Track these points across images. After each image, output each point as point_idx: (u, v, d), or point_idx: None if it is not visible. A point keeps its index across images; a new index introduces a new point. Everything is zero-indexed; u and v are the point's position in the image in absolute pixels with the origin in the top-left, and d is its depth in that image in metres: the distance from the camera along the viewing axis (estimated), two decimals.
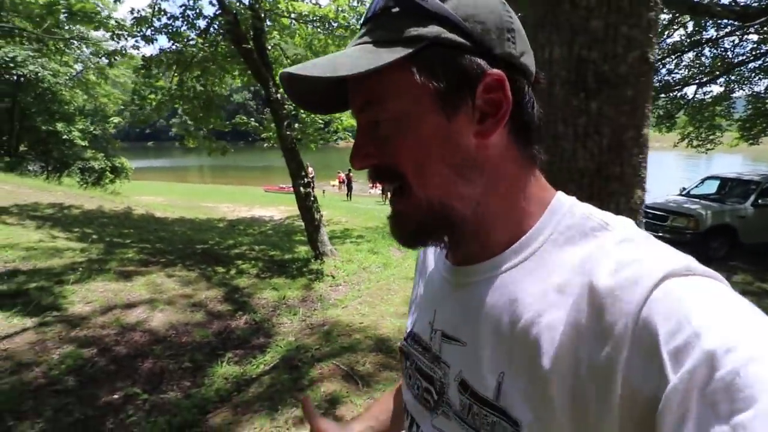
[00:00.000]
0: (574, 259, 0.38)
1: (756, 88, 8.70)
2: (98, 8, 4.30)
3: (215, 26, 6.17)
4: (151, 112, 6.69)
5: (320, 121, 7.37)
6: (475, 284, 0.45)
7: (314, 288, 4.97)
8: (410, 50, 0.38)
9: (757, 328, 0.29)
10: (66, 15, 3.48)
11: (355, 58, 0.39)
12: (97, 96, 12.01)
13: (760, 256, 6.04)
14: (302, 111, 6.64)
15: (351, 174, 15.16)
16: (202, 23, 6.40)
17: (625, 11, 1.14)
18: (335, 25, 6.70)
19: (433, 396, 0.49)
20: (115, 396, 2.83)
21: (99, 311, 3.85)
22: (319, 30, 6.96)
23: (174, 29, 6.34)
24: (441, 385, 0.47)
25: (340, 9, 6.08)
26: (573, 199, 0.45)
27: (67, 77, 10.71)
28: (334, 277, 5.31)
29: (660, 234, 5.96)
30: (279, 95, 5.67)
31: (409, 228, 0.44)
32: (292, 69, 0.39)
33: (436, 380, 0.48)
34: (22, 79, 9.97)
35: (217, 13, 6.00)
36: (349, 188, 15.39)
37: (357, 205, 13.04)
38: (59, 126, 10.60)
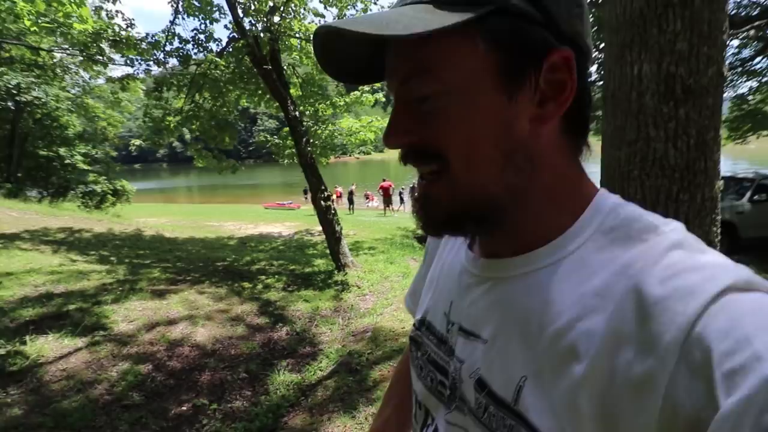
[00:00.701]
0: (618, 262, 0.35)
1: (740, 91, 9.31)
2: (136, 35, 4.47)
3: (229, 48, 6.37)
4: (166, 133, 6.80)
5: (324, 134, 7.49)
6: (503, 280, 0.42)
7: (343, 298, 5.09)
8: (474, 14, 0.34)
9: None
10: (110, 42, 3.62)
11: (410, 17, 0.34)
12: (96, 119, 12.00)
13: (758, 249, 6.42)
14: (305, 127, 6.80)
15: (353, 187, 15.38)
16: (213, 46, 6.60)
17: (705, 35, 1.38)
18: None
19: (446, 389, 0.47)
20: (184, 408, 2.90)
21: (143, 329, 3.90)
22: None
23: (185, 52, 6.52)
24: (454, 379, 0.45)
25: None
26: (618, 198, 0.41)
27: (69, 102, 10.71)
28: (359, 287, 5.44)
29: None
30: (297, 113, 5.87)
31: (440, 214, 0.40)
32: (335, 23, 0.35)
33: (450, 373, 0.46)
34: (22, 105, 9.96)
35: (231, 36, 6.23)
36: (351, 202, 15.59)
37: (361, 218, 13.20)
38: (62, 151, 10.55)
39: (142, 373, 3.24)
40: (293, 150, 6.07)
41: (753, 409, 0.25)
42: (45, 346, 3.38)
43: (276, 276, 5.95)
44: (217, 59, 5.78)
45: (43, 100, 9.52)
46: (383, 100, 6.91)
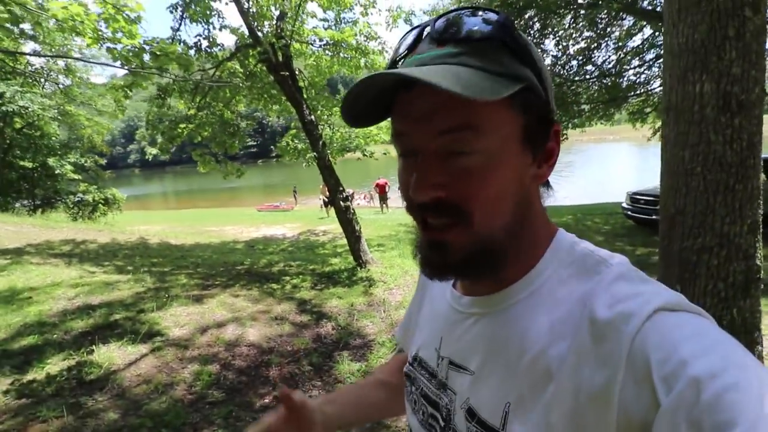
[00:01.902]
0: (576, 293, 0.41)
1: None
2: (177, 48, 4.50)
3: (239, 55, 6.45)
4: (168, 141, 6.79)
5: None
6: (485, 315, 0.47)
7: (373, 293, 5.36)
8: (518, 87, 0.39)
9: (737, 359, 0.32)
10: (150, 56, 3.66)
11: (475, 81, 0.37)
12: (80, 127, 11.60)
13: None
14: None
15: (351, 191, 15.59)
16: (217, 52, 6.65)
17: (753, 61, 1.76)
18: (343, 46, 7.14)
19: (439, 423, 0.50)
20: (267, 400, 3.13)
21: (197, 332, 4.06)
22: (327, 52, 7.39)
23: (191, 57, 6.54)
24: (447, 411, 0.49)
25: (360, 33, 6.55)
26: (573, 237, 0.47)
27: (53, 110, 10.32)
28: (385, 282, 5.73)
29: (655, 218, 6.89)
30: (313, 117, 6.06)
31: (456, 260, 0.43)
32: (415, 73, 0.36)
33: (442, 407, 0.50)
34: (3, 114, 9.55)
35: (239, 43, 6.32)
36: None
37: (360, 216, 13.41)
38: (51, 161, 10.18)
39: (213, 372, 3.42)
40: (309, 152, 6.24)
41: (684, 403, 0.30)
42: (112, 354, 3.50)
43: (300, 276, 6.15)
44: (235, 66, 5.87)
45: (30, 109, 9.17)
46: None
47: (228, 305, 4.84)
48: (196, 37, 6.60)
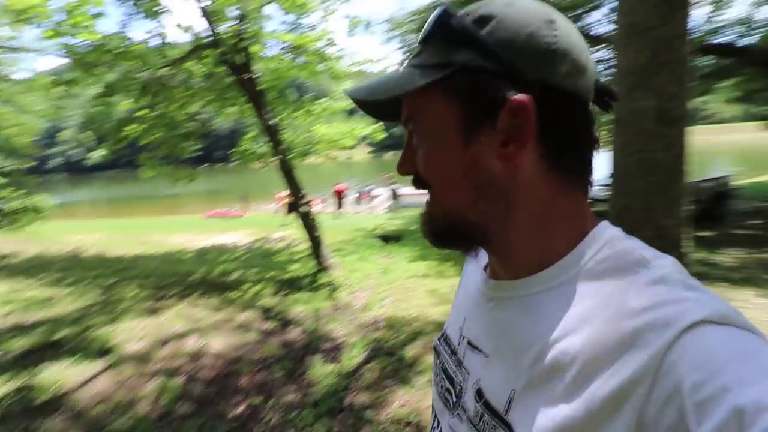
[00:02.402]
0: (605, 290, 0.38)
1: None
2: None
3: (195, 55, 6.22)
4: (114, 143, 6.35)
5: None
6: (503, 300, 0.46)
7: (338, 297, 5.38)
8: (439, 75, 0.41)
9: None
10: (110, 53, 3.35)
11: (397, 79, 0.44)
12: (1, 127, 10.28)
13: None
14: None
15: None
16: (174, 53, 6.37)
17: (682, 81, 2.09)
18: (304, 50, 7.12)
19: (452, 397, 0.51)
20: (241, 408, 3.04)
21: (156, 345, 3.85)
22: (288, 55, 7.33)
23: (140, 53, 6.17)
24: (460, 388, 0.49)
25: (320, 38, 6.57)
26: (617, 231, 0.44)
27: None
28: (349, 286, 5.77)
29: None
30: (274, 121, 5.98)
31: (432, 230, 0.47)
32: (349, 91, 0.47)
33: (457, 383, 0.51)
34: None
35: (194, 42, 6.09)
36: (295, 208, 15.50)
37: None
38: None
39: (179, 385, 3.27)
40: (271, 156, 6.13)
41: None
42: (62, 374, 3.22)
43: (260, 283, 6.00)
44: (193, 66, 5.63)
45: None
46: (352, 107, 7.25)
47: (186, 316, 4.62)
48: (146, 33, 6.26)
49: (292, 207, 13.21)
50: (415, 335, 3.84)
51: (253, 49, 5.96)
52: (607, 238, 0.42)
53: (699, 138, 2.77)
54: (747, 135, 42.20)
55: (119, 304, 4.76)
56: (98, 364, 3.43)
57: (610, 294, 0.38)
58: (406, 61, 0.47)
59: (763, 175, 16.66)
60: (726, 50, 8.34)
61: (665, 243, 2.18)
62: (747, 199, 10.08)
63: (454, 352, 0.54)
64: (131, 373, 3.36)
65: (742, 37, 10.48)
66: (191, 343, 3.98)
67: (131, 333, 4.04)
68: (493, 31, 0.40)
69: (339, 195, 14.43)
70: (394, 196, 13.37)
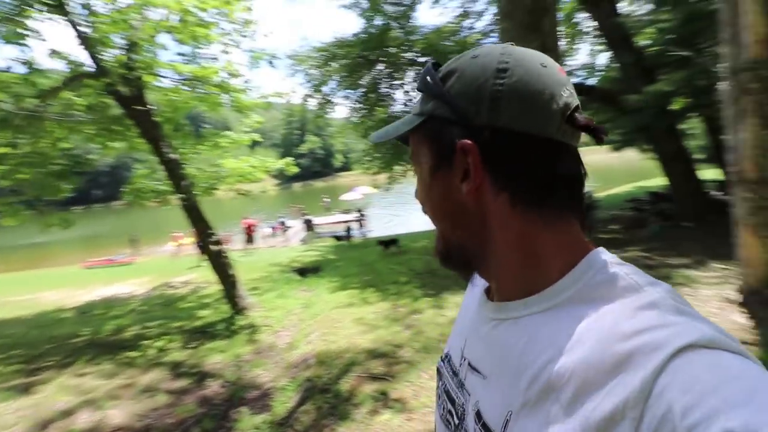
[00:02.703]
0: (598, 313, 0.39)
1: None
2: None
3: (74, 86, 5.52)
4: None
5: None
6: (500, 322, 0.48)
7: (259, 340, 5.03)
8: (417, 122, 0.49)
9: None
10: None
11: (397, 125, 0.52)
12: None
13: None
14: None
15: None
16: (46, 81, 5.58)
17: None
18: (204, 82, 6.80)
19: (454, 419, 0.52)
20: None
21: (36, 430, 3.16)
22: (185, 87, 6.92)
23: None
24: (462, 410, 0.50)
25: (223, 70, 6.35)
26: (611, 257, 0.45)
27: None
28: (270, 326, 5.44)
29: None
30: (175, 155, 5.53)
31: (438, 251, 0.52)
32: (375, 138, 0.56)
33: (458, 405, 0.51)
34: None
35: (72, 72, 5.42)
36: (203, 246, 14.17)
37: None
38: None
39: None
40: (172, 194, 5.61)
41: None
42: None
43: (166, 337, 5.33)
44: (73, 98, 4.96)
45: None
46: (260, 140, 7.07)
47: (72, 388, 3.88)
48: (9, 60, 5.37)
49: (203, 247, 12.04)
50: (348, 366, 3.76)
51: (147, 79, 5.52)
52: (601, 264, 0.43)
53: None
54: (599, 156, 51.36)
55: None
56: None
57: (602, 317, 0.38)
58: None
59: (615, 188, 20.28)
60: (578, 89, 10.19)
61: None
62: (605, 209, 12.17)
63: (455, 374, 0.54)
64: None
65: (587, 78, 12.94)
66: (83, 420, 3.34)
67: None
68: (453, 84, 0.46)
69: (249, 230, 13.63)
70: (309, 227, 13.10)
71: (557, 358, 0.39)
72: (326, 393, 3.34)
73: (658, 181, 10.29)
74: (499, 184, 0.44)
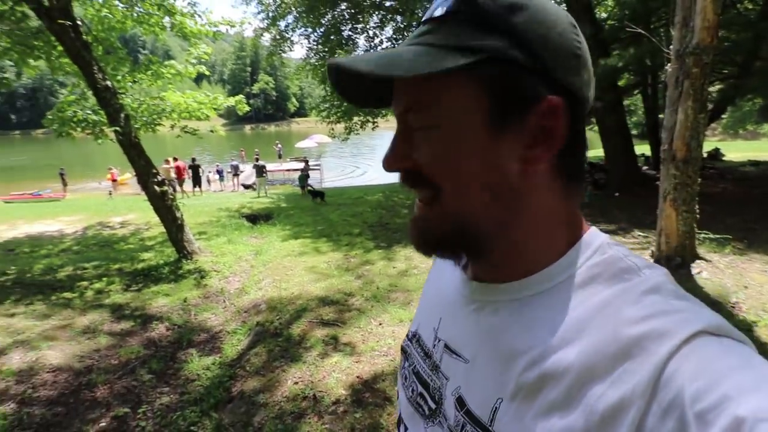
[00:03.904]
0: (597, 298, 0.37)
1: None
2: None
3: None
4: None
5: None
6: (488, 304, 0.44)
7: (208, 285, 4.98)
8: (469, 60, 0.36)
9: None
10: None
11: (412, 59, 0.37)
12: None
13: None
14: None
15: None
16: None
17: None
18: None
19: (428, 403, 0.49)
20: (103, 423, 2.64)
21: None
22: (119, 4, 6.10)
23: None
24: (439, 395, 0.47)
25: None
26: (606, 238, 0.43)
27: None
28: (218, 272, 5.37)
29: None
30: (108, 83, 4.97)
31: (430, 237, 0.43)
32: (344, 61, 0.38)
33: (434, 389, 0.48)
34: None
35: None
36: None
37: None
38: None
39: (8, 413, 2.63)
40: (107, 126, 5.09)
41: None
42: None
43: (104, 279, 5.10)
44: None
45: None
46: (207, 74, 6.51)
47: (2, 328, 3.67)
48: None
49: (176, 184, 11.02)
50: (300, 312, 3.87)
51: None
52: (598, 245, 0.41)
53: None
54: None
55: None
56: None
57: (605, 302, 0.37)
58: (415, 37, 0.40)
59: None
60: None
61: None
62: None
63: (428, 355, 0.51)
64: None
65: None
66: (17, 360, 3.20)
67: None
68: (526, 21, 0.37)
69: (180, 173, 12.55)
70: (261, 172, 12.56)
71: (557, 345, 0.37)
72: (278, 337, 3.44)
73: (599, 152, 11.01)
74: (556, 154, 0.39)
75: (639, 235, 5.87)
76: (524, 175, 0.39)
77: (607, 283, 0.38)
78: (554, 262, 0.41)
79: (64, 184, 14.73)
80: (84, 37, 4.87)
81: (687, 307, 0.35)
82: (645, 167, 11.66)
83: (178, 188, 12.13)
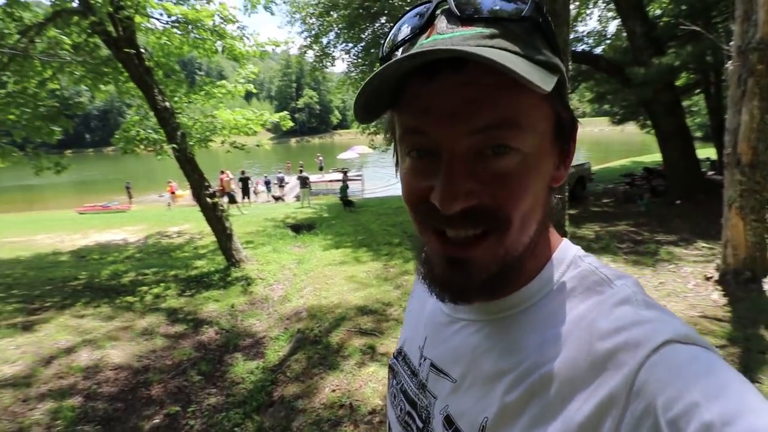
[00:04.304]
0: (574, 313, 0.38)
1: None
2: None
3: (59, 22, 5.26)
4: None
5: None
6: (473, 323, 0.44)
7: (253, 292, 5.20)
8: (557, 77, 0.34)
9: (753, 405, 0.28)
10: None
11: (523, 67, 0.31)
12: None
13: None
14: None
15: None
16: (29, 16, 5.30)
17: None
18: (197, 26, 6.49)
19: (416, 422, 0.48)
20: (157, 420, 2.82)
21: (38, 365, 3.31)
22: (177, 30, 6.62)
23: None
24: (427, 414, 0.47)
25: (217, 14, 6.06)
26: (577, 250, 0.43)
27: None
28: (263, 279, 5.60)
29: None
30: (167, 103, 5.40)
31: (482, 277, 0.38)
32: (457, 47, 0.31)
33: (421, 408, 0.48)
34: None
35: (56, 8, 5.15)
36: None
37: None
38: None
39: (76, 406, 2.89)
40: (165, 143, 5.53)
41: None
42: None
43: (161, 285, 5.47)
44: (61, 36, 4.74)
45: None
46: (255, 91, 6.88)
47: (72, 328, 4.03)
48: None
49: (231, 198, 11.88)
50: (339, 321, 3.94)
51: (137, 19, 5.26)
52: (571, 258, 0.42)
53: None
54: (597, 128, 50.72)
55: None
56: None
57: (581, 316, 0.37)
58: (477, 38, 0.33)
59: (611, 162, 20.29)
60: (584, 58, 9.92)
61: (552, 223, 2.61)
62: (599, 182, 12.25)
63: (414, 374, 0.50)
64: (11, 401, 2.85)
65: (594, 46, 12.54)
66: (84, 358, 3.51)
67: (2, 355, 3.39)
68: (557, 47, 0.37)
69: (225, 185, 13.15)
70: (304, 184, 13.01)
71: (538, 360, 0.37)
72: (317, 344, 3.52)
73: (657, 157, 10.30)
74: None
75: (703, 247, 5.40)
76: (548, 196, 0.40)
77: (582, 297, 0.39)
78: (533, 278, 0.41)
79: (130, 197, 16.08)
80: (146, 62, 5.35)
81: (656, 317, 0.35)
82: (711, 172, 10.74)
83: (238, 200, 12.79)
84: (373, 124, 11.64)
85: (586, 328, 0.36)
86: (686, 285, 4.21)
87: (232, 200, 12.09)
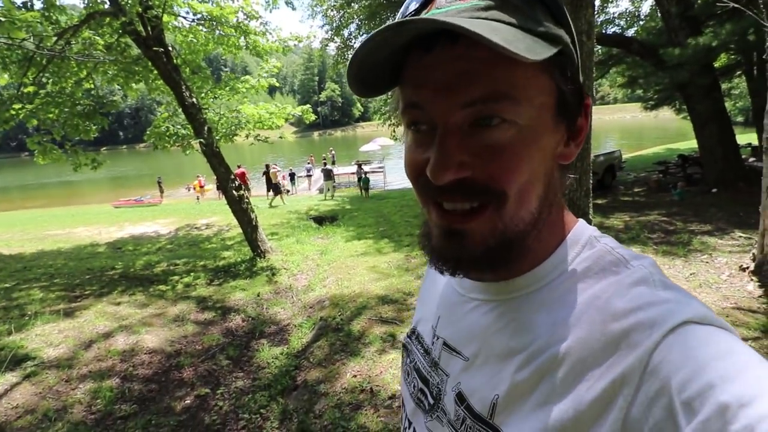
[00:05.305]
0: (588, 292, 0.38)
1: None
2: None
3: (92, 24, 5.49)
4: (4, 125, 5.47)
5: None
6: (486, 303, 0.44)
7: (278, 281, 5.34)
8: (555, 50, 0.33)
9: None
10: None
11: (513, 37, 0.31)
12: None
13: None
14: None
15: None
16: (64, 19, 5.56)
17: (588, 75, 2.42)
18: (222, 22, 6.64)
19: (428, 398, 0.49)
20: (188, 401, 2.97)
21: (79, 348, 3.53)
22: (202, 28, 6.79)
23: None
24: (438, 390, 0.47)
25: (240, 11, 6.17)
26: (594, 230, 0.43)
27: None
28: (288, 269, 5.74)
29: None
30: (194, 100, 5.57)
31: (478, 251, 0.38)
32: (444, 18, 0.31)
33: (433, 384, 0.48)
34: None
35: (90, 10, 5.37)
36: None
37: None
38: None
39: (114, 387, 3.07)
40: (193, 138, 5.72)
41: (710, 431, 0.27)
42: None
43: (191, 274, 5.70)
44: (94, 37, 4.97)
45: None
46: (278, 85, 6.98)
47: (110, 314, 4.27)
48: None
49: (276, 189, 12.31)
50: (360, 310, 4.00)
51: (165, 19, 5.43)
52: (587, 239, 0.42)
53: (593, 117, 3.20)
54: (629, 114, 48.66)
55: (25, 309, 4.22)
56: (13, 375, 3.07)
57: (595, 296, 0.37)
58: (472, 10, 0.33)
59: (644, 150, 19.47)
60: (614, 40, 9.50)
61: (575, 212, 2.55)
62: (631, 170, 11.79)
63: (427, 352, 0.51)
64: (55, 381, 3.07)
65: (626, 28, 11.98)
66: (121, 342, 3.72)
67: (46, 338, 3.64)
68: (569, 19, 0.37)
69: (242, 179, 13.47)
70: (328, 176, 13.16)
71: (551, 340, 0.37)
72: (339, 332, 3.60)
73: (693, 143, 9.81)
74: None
75: (740, 237, 5.15)
76: (556, 172, 0.40)
77: (597, 277, 0.38)
78: (546, 258, 0.41)
79: (161, 191, 16.74)
80: (174, 60, 5.53)
81: (673, 297, 0.34)
82: (752, 159, 10.14)
83: (284, 191, 13.13)
84: (393, 115, 11.59)
85: (601, 308, 0.36)
86: (720, 276, 4.04)
87: (277, 191, 12.35)
